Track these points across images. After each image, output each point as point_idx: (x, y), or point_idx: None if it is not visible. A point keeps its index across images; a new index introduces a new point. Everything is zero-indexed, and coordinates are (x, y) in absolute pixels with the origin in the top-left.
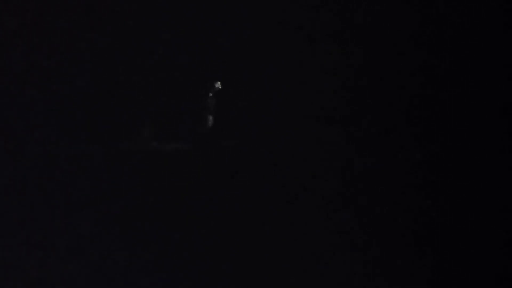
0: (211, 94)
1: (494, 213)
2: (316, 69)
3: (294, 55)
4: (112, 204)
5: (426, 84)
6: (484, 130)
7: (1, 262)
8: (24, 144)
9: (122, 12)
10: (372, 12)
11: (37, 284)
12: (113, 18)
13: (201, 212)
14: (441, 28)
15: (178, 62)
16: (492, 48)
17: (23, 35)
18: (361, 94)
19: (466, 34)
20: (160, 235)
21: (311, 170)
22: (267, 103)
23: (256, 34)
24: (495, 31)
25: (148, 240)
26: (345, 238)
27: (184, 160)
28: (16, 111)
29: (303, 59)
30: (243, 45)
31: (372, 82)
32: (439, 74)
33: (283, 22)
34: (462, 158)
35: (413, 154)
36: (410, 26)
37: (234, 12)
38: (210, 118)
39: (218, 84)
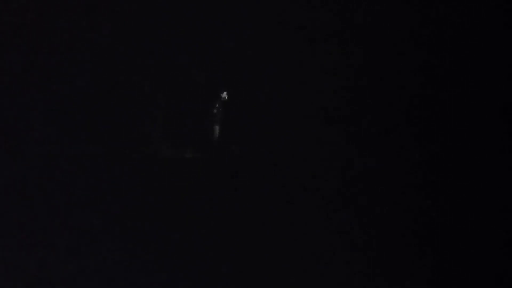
0: (217, 104)
1: (494, 213)
2: (316, 69)
3: (294, 55)
4: (114, 205)
5: (426, 84)
6: (484, 130)
7: (1, 262)
8: (24, 144)
9: (123, 12)
10: (372, 12)
11: (37, 284)
12: (115, 18)
13: (201, 212)
14: (441, 28)
15: (179, 62)
16: (492, 48)
17: (23, 35)
18: (361, 94)
19: (466, 34)
20: (160, 235)
21: (311, 170)
22: (267, 103)
23: (256, 34)
24: (495, 31)
25: (148, 240)
26: (345, 238)
27: (187, 164)
28: (16, 111)
29: (303, 59)
30: (243, 45)
31: (372, 82)
32: (439, 74)
33: (283, 22)
34: (462, 158)
35: (413, 154)
36: (410, 26)
37: (234, 12)
38: (217, 125)
39: (224, 94)
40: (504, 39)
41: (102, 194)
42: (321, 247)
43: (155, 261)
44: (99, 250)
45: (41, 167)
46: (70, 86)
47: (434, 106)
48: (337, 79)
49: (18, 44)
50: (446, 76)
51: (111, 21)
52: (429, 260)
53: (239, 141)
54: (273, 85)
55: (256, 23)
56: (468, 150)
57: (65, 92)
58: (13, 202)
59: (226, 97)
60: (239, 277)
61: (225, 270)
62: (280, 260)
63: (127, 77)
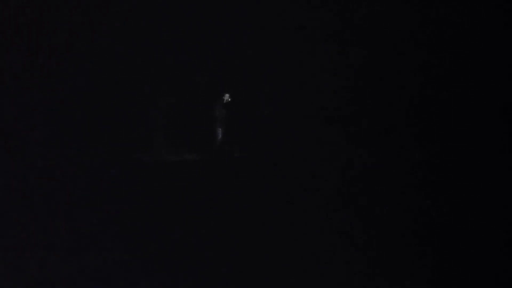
0: (220, 105)
1: (494, 213)
2: (316, 69)
3: (294, 55)
4: (115, 206)
5: (426, 84)
6: (484, 130)
7: (1, 262)
8: (24, 144)
9: (123, 12)
10: (372, 12)
11: (37, 284)
12: (115, 18)
13: (201, 212)
14: (441, 28)
15: (179, 65)
16: (492, 48)
17: (23, 35)
18: (361, 94)
19: (466, 34)
20: (160, 236)
21: (311, 170)
22: (267, 103)
23: (256, 34)
24: (495, 31)
25: (149, 240)
26: (345, 238)
27: (188, 166)
28: (16, 111)
29: (303, 59)
30: (243, 45)
31: (372, 82)
32: (439, 74)
33: (283, 22)
34: (462, 158)
35: (413, 154)
36: (410, 26)
37: (234, 12)
38: (220, 129)
39: (227, 96)
40: (504, 39)
41: (102, 195)
42: (321, 247)
43: (155, 261)
44: (99, 250)
45: (41, 167)
46: (70, 86)
47: (434, 106)
48: (337, 79)
49: (18, 44)
50: (446, 76)
51: (111, 21)
52: (429, 260)
53: (239, 141)
54: (273, 85)
55: (256, 23)
56: (468, 150)
57: (65, 92)
58: (13, 202)
59: (229, 99)
60: (239, 277)
61: (225, 270)
62: (280, 260)
63: (128, 79)
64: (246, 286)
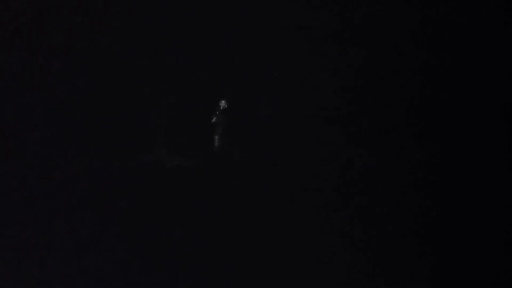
0: (218, 111)
1: (494, 213)
2: (316, 69)
3: (294, 55)
4: (115, 210)
5: (426, 84)
6: (484, 130)
7: (1, 262)
8: (24, 144)
9: (123, 12)
10: (372, 12)
11: (37, 284)
12: (115, 19)
13: (201, 212)
14: (441, 28)
15: (179, 66)
16: (492, 48)
17: (23, 35)
18: (361, 94)
19: (466, 34)
20: (160, 238)
21: (311, 170)
22: (267, 103)
23: (256, 34)
24: (495, 31)
25: (148, 243)
26: (345, 238)
27: (188, 168)
28: (16, 111)
29: (303, 59)
30: (243, 45)
31: (372, 82)
32: (439, 74)
33: (283, 22)
34: (462, 158)
35: (413, 154)
36: (410, 26)
37: (234, 12)
38: (217, 136)
39: (223, 103)
40: (504, 39)
41: (102, 195)
42: (321, 247)
43: (155, 261)
44: (99, 250)
45: (41, 167)
46: (70, 86)
47: (434, 106)
48: (337, 79)
49: (18, 44)
50: (446, 76)
51: (111, 21)
52: (429, 260)
53: (239, 141)
54: (273, 85)
55: (256, 23)
56: (468, 150)
57: (65, 92)
58: (13, 202)
59: (226, 106)
60: (239, 277)
61: (225, 270)
62: (280, 260)
63: (128, 79)
64: (246, 286)
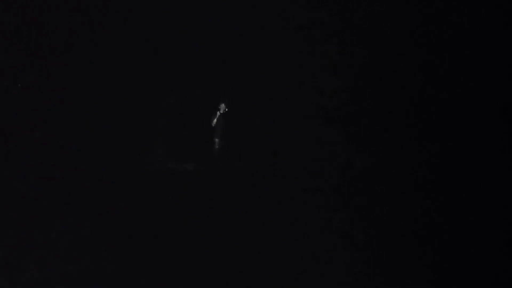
0: (218, 114)
1: (494, 213)
2: (316, 69)
3: (294, 55)
4: (116, 206)
5: (426, 84)
6: (484, 130)
7: (1, 262)
8: (24, 144)
9: (124, 13)
10: (372, 12)
11: (37, 284)
12: (118, 20)
13: (201, 212)
14: (441, 28)
15: (179, 63)
16: (492, 48)
17: (23, 35)
18: (361, 94)
19: (466, 34)
20: (161, 242)
21: (311, 170)
22: (267, 103)
23: (256, 34)
24: (495, 31)
25: (148, 246)
26: (345, 238)
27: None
28: (16, 111)
29: (303, 59)
30: (243, 45)
31: (372, 82)
32: (439, 74)
33: (283, 22)
34: (462, 158)
35: (413, 154)
36: (410, 26)
37: (234, 12)
38: (218, 140)
39: (223, 106)
40: (504, 39)
41: (102, 195)
42: (321, 247)
43: (155, 261)
44: (100, 250)
45: (41, 167)
46: (70, 86)
47: (434, 106)
48: (337, 79)
49: (18, 44)
50: (446, 76)
51: (111, 21)
52: (429, 260)
53: (239, 142)
54: (273, 85)
55: (256, 23)
56: (468, 150)
57: (65, 92)
58: (13, 202)
59: (226, 109)
60: (239, 277)
61: (225, 270)
62: (280, 260)
63: (128, 80)
64: (246, 286)
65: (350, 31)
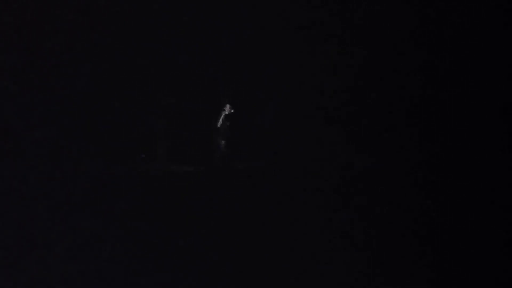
0: (222, 117)
1: (494, 213)
2: (316, 69)
3: (294, 55)
4: (116, 206)
5: (426, 84)
6: (484, 130)
7: (1, 262)
8: (24, 144)
9: (124, 13)
10: (372, 12)
11: (37, 284)
12: (118, 19)
13: (201, 212)
14: (441, 28)
15: (179, 64)
16: (492, 48)
17: (23, 35)
18: (361, 94)
19: (466, 34)
20: (160, 236)
21: (311, 170)
22: (267, 103)
23: (256, 34)
24: (495, 31)
25: (149, 240)
26: (345, 238)
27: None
28: (16, 111)
29: (303, 59)
30: (243, 45)
31: (372, 82)
32: (439, 74)
33: (283, 22)
34: (462, 158)
35: (413, 154)
36: (410, 26)
37: (234, 12)
38: (223, 141)
39: (228, 107)
40: (504, 39)
41: (103, 195)
42: (321, 247)
43: (155, 261)
44: (100, 250)
45: (41, 167)
46: (70, 86)
47: (434, 106)
48: (337, 79)
49: (18, 44)
50: (446, 76)
51: (111, 21)
52: (429, 260)
53: (239, 142)
54: (273, 85)
55: (256, 23)
56: (468, 150)
57: (65, 92)
58: (13, 202)
59: (232, 110)
60: (239, 277)
61: (225, 270)
62: (280, 260)
63: (128, 83)
64: (246, 286)
65: (350, 31)
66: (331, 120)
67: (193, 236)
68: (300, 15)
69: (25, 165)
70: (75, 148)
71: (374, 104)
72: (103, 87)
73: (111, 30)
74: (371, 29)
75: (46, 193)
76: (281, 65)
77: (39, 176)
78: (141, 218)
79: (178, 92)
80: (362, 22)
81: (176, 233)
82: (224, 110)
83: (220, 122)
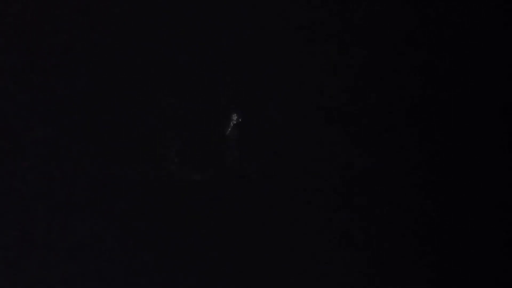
0: (232, 124)
1: (494, 213)
2: (316, 69)
3: (294, 55)
4: (116, 206)
5: (426, 84)
6: (484, 130)
7: (1, 262)
8: (24, 144)
9: (124, 13)
10: (372, 12)
11: (37, 284)
12: (115, 19)
13: (201, 212)
14: (441, 28)
15: (179, 63)
16: (492, 48)
17: (23, 35)
18: (361, 94)
19: (466, 34)
20: (161, 236)
21: (311, 170)
22: (266, 103)
23: (256, 34)
24: (495, 31)
25: (149, 240)
26: (345, 238)
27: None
28: (16, 111)
29: (303, 59)
30: (243, 45)
31: (372, 82)
32: (439, 74)
33: (283, 22)
34: (462, 158)
35: (413, 154)
36: (410, 26)
37: (234, 12)
38: (233, 147)
39: (235, 116)
40: (504, 39)
41: (103, 195)
42: (321, 247)
43: (155, 261)
44: (100, 250)
45: (41, 167)
46: (70, 89)
47: (434, 106)
48: (337, 79)
49: (18, 44)
50: (446, 76)
51: (111, 21)
52: (429, 260)
53: (239, 141)
54: (273, 85)
55: (256, 23)
56: (468, 150)
57: (65, 92)
58: (13, 202)
59: (240, 120)
60: (239, 277)
61: (225, 270)
62: (280, 260)
63: (129, 83)
64: (246, 286)
65: (350, 31)
66: (331, 120)
67: (193, 236)
68: (300, 15)
69: (25, 165)
70: (75, 148)
71: (374, 104)
72: (103, 87)
73: (111, 30)
74: (371, 29)
75: (46, 193)
76: (281, 65)
77: (39, 176)
78: (142, 218)
79: (178, 92)
80: (362, 22)
81: (176, 233)
82: (232, 119)
83: (229, 130)
